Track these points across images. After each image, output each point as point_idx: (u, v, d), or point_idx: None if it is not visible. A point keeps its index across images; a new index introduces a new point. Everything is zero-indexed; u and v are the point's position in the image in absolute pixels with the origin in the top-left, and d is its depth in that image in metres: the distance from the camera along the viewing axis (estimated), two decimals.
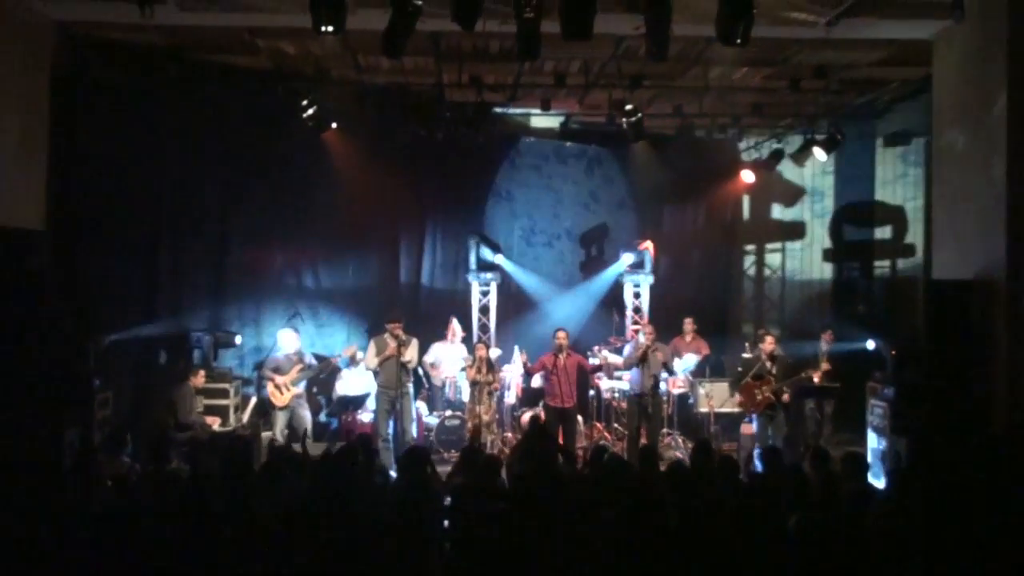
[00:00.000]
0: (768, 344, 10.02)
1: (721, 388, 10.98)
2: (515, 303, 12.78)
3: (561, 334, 10.13)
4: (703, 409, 11.09)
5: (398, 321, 9.90)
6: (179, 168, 11.08)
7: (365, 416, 10.61)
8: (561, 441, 9.96)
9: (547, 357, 10.18)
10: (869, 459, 9.36)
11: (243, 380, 11.10)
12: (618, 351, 11.12)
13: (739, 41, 7.32)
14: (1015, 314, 7.79)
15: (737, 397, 10.34)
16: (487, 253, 12.28)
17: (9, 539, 4.87)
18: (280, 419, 10.01)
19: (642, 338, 10.18)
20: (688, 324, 11.88)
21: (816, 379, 10.36)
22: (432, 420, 10.86)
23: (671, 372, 10.83)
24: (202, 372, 9.98)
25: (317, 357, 10.72)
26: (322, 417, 11.29)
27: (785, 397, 9.73)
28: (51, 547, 4.81)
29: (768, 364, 9.84)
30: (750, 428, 10.37)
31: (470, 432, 10.11)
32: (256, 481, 6.48)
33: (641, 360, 9.98)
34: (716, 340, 12.47)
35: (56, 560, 4.69)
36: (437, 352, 11.29)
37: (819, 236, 13.49)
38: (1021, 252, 7.77)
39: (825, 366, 10.78)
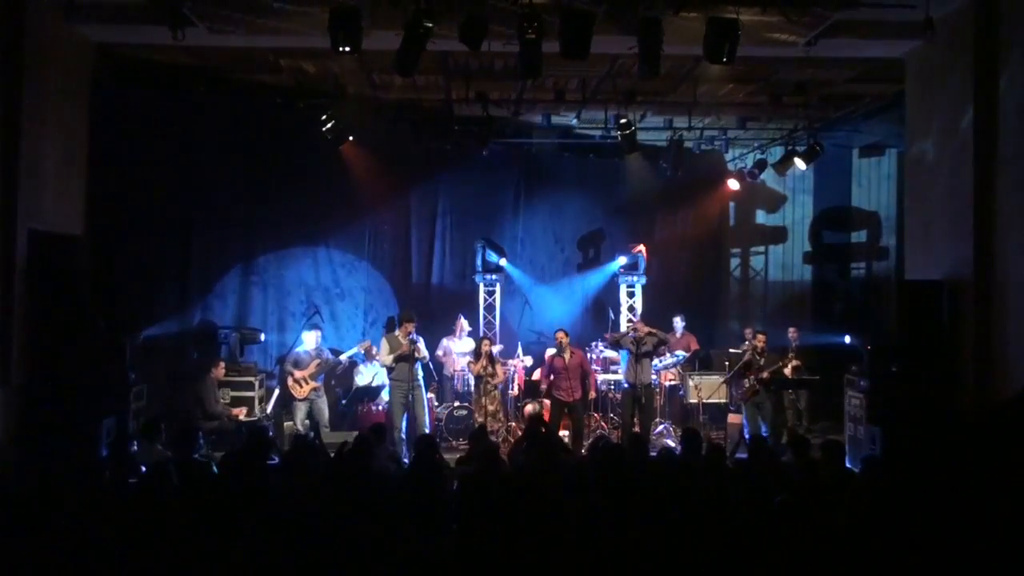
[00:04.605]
0: (759, 341, 10.09)
1: (710, 381, 10.99)
2: (517, 302, 12.80)
3: (560, 335, 10.15)
4: (692, 400, 11.08)
5: (411, 322, 9.91)
6: (207, 178, 11.09)
7: (380, 407, 10.61)
8: (569, 431, 9.97)
9: (550, 357, 10.20)
10: (847, 446, 9.36)
11: (267, 374, 11.12)
12: (616, 343, 11.10)
13: (725, 60, 7.36)
14: (981, 312, 7.78)
15: (726, 389, 10.39)
16: (492, 256, 12.28)
17: (49, 520, 4.88)
18: (300, 410, 10.00)
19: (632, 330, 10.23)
20: (677, 322, 11.87)
21: (788, 372, 10.37)
22: (441, 411, 10.86)
23: (664, 343, 10.72)
24: (223, 364, 9.98)
25: (334, 352, 10.72)
26: (339, 408, 11.29)
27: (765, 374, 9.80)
28: (87, 528, 4.82)
29: (757, 357, 9.92)
30: (736, 417, 10.37)
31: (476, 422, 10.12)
32: (278, 467, 6.50)
33: (633, 353, 9.97)
34: (704, 337, 12.48)
35: (91, 540, 4.70)
36: (446, 346, 11.32)
37: (800, 240, 13.46)
38: (987, 254, 7.76)
39: (795, 361, 10.75)
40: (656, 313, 12.00)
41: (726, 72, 8.98)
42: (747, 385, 9.87)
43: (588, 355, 11.09)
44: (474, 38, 7.19)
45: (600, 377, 11.19)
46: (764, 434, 9.39)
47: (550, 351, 10.28)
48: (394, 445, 9.17)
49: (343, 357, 10.53)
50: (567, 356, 10.03)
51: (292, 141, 11.02)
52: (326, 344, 10.70)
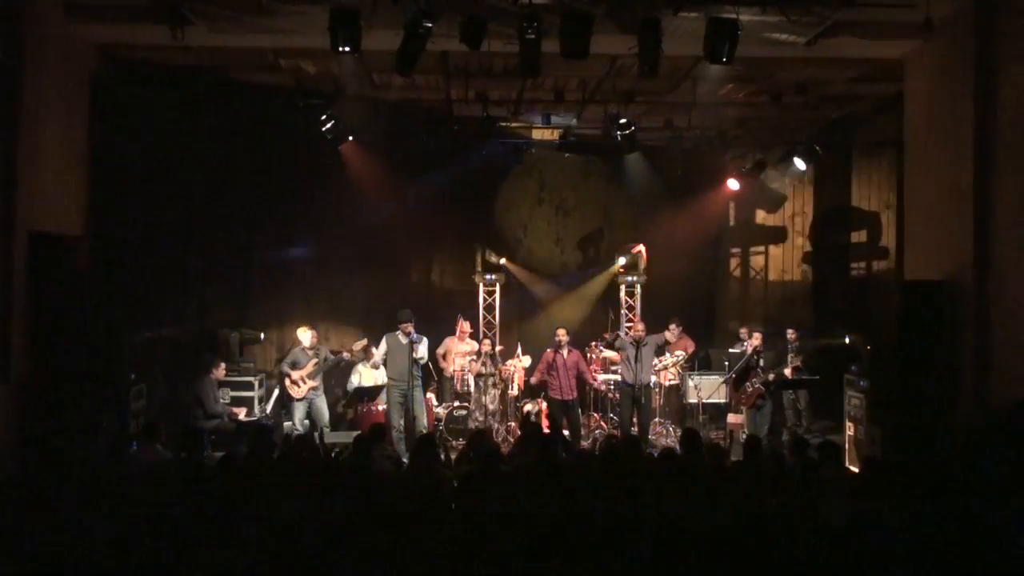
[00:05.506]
0: (755, 340, 10.08)
1: (710, 381, 10.99)
2: (517, 302, 12.82)
3: (561, 331, 10.20)
4: (692, 400, 11.09)
5: (408, 322, 9.94)
6: (208, 177, 11.12)
7: (379, 407, 10.61)
8: (566, 431, 9.99)
9: (549, 353, 10.21)
10: (847, 446, 9.37)
11: (266, 374, 11.14)
12: (611, 345, 11.13)
13: (725, 60, 7.37)
14: (981, 312, 7.78)
15: (726, 389, 10.40)
16: (492, 255, 12.29)
17: (48, 521, 4.89)
18: (299, 410, 10.02)
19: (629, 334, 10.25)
20: (673, 327, 11.80)
21: (788, 373, 10.38)
22: (441, 411, 10.87)
23: (662, 351, 10.74)
24: (223, 365, 9.99)
25: (332, 352, 10.74)
26: (339, 408, 11.31)
27: (771, 376, 9.81)
28: (87, 528, 4.83)
29: (756, 358, 9.91)
30: (736, 418, 10.37)
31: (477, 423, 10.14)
32: (276, 467, 6.51)
33: (634, 353, 9.99)
34: (704, 336, 12.49)
35: (92, 540, 4.70)
36: (448, 345, 11.33)
37: (799, 239, 13.47)
38: (987, 255, 7.77)
39: (796, 362, 10.74)
40: (656, 313, 12.00)
41: (725, 72, 8.98)
42: (750, 390, 9.86)
43: (588, 355, 11.11)
44: (474, 38, 7.21)
45: (600, 377, 11.20)
46: (763, 434, 9.40)
47: (549, 350, 10.30)
48: (392, 445, 9.18)
49: (344, 354, 10.54)
50: (565, 353, 10.07)
51: (292, 140, 11.03)
52: (325, 344, 10.72)
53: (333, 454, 8.28)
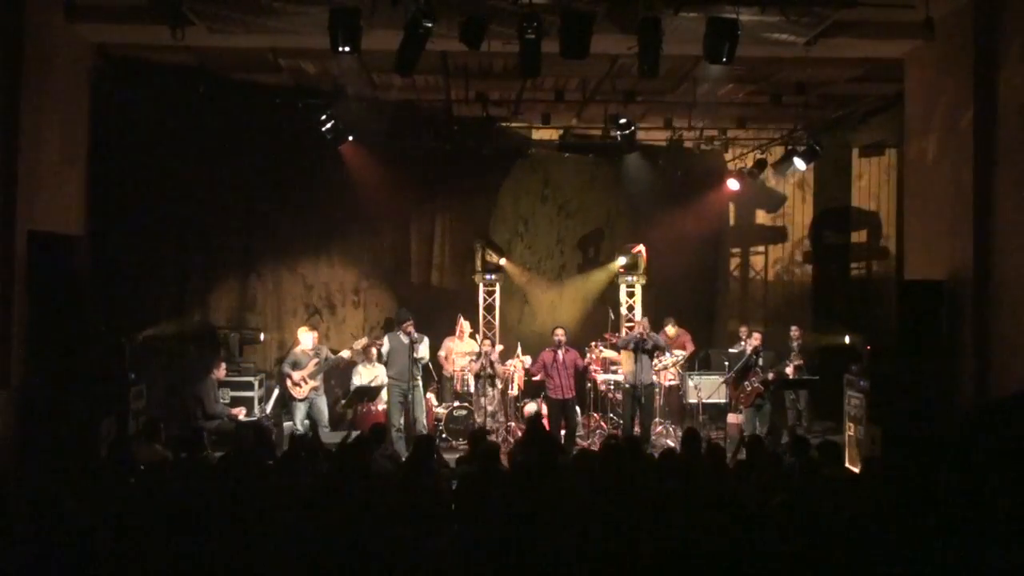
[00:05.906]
0: (755, 340, 10.08)
1: (710, 381, 10.99)
2: (517, 302, 12.82)
3: (559, 331, 10.20)
4: (692, 400, 11.09)
5: (408, 321, 9.96)
6: (207, 177, 11.12)
7: (379, 407, 10.62)
8: (563, 430, 10.00)
9: (547, 353, 10.21)
10: (847, 446, 9.37)
11: (266, 374, 11.14)
12: (614, 346, 11.13)
13: (725, 60, 7.37)
14: (980, 312, 7.79)
15: (726, 389, 10.40)
16: (492, 255, 12.28)
17: (48, 523, 4.88)
18: (299, 410, 10.01)
19: (638, 329, 10.25)
20: (670, 327, 11.79)
21: (790, 372, 10.38)
22: (441, 411, 10.88)
23: (664, 349, 10.75)
24: (223, 365, 9.99)
25: (332, 352, 10.73)
26: (338, 408, 11.31)
27: (771, 375, 9.82)
28: (88, 530, 4.82)
29: (755, 358, 9.91)
30: (736, 417, 10.37)
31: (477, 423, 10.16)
32: (277, 467, 6.51)
33: (635, 350, 9.98)
34: (704, 336, 12.48)
35: (93, 542, 4.70)
36: (448, 346, 11.33)
37: (799, 239, 13.48)
38: (987, 255, 7.78)
39: (797, 360, 10.73)
40: (656, 313, 12.01)
41: (726, 72, 8.98)
42: (749, 389, 9.87)
43: (588, 355, 11.10)
44: (474, 38, 7.21)
45: (600, 377, 11.20)
46: (763, 435, 9.40)
47: (547, 350, 10.30)
48: (391, 444, 9.18)
49: (344, 353, 10.55)
50: (561, 352, 10.07)
51: (292, 140, 11.02)
52: (325, 344, 10.72)
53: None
